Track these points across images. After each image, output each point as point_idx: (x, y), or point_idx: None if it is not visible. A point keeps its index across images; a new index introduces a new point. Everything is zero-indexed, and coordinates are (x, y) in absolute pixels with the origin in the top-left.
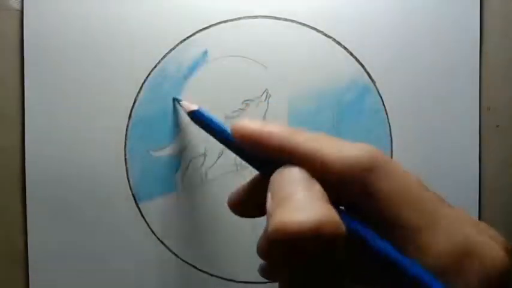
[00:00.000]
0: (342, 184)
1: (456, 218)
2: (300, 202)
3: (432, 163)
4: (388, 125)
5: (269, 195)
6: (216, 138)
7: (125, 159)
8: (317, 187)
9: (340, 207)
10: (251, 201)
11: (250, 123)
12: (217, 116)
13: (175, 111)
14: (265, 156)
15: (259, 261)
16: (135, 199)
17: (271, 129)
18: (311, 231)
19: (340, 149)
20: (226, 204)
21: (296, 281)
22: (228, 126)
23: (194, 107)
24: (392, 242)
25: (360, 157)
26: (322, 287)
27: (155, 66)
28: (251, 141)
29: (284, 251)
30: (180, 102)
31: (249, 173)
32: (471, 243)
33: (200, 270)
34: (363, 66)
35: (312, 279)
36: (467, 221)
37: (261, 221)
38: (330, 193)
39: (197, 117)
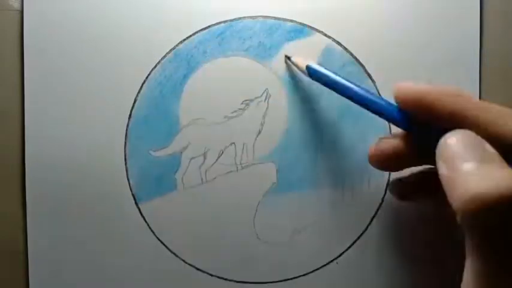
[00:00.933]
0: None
1: None
2: (487, 169)
3: None
4: (388, 125)
5: (441, 163)
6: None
7: (125, 159)
8: (494, 152)
9: None
10: (395, 156)
11: (416, 86)
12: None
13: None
14: (429, 121)
15: (259, 262)
16: (135, 199)
17: (440, 93)
18: (510, 199)
19: None
20: (226, 205)
21: (492, 242)
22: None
23: (306, 63)
24: None
25: None
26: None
27: (155, 66)
28: (417, 106)
29: (479, 219)
30: (291, 59)
31: (249, 173)
32: None
33: (200, 270)
34: (362, 66)
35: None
36: None
37: (262, 220)
38: None
39: (313, 73)
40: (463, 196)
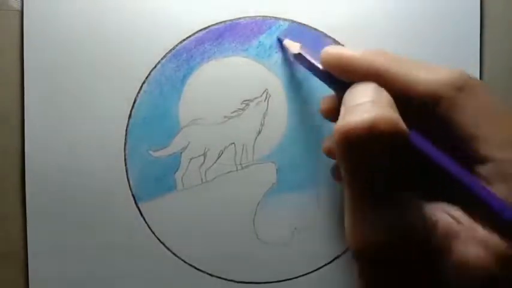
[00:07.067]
0: (425, 104)
1: None
2: (362, 107)
3: None
4: None
5: (342, 108)
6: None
7: (125, 159)
8: (384, 95)
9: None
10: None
11: (336, 49)
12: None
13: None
14: (350, 79)
15: (259, 262)
16: (135, 199)
17: (356, 54)
18: (365, 129)
19: (430, 71)
20: (226, 205)
21: (358, 178)
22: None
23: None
24: (466, 153)
25: (451, 77)
26: (379, 186)
27: (155, 66)
28: (339, 68)
29: (345, 150)
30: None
31: (249, 173)
32: None
33: (200, 270)
34: None
35: (370, 177)
36: None
37: (262, 221)
38: (411, 116)
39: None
40: (337, 127)
